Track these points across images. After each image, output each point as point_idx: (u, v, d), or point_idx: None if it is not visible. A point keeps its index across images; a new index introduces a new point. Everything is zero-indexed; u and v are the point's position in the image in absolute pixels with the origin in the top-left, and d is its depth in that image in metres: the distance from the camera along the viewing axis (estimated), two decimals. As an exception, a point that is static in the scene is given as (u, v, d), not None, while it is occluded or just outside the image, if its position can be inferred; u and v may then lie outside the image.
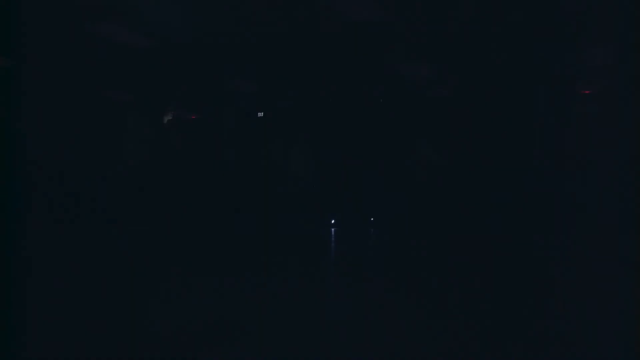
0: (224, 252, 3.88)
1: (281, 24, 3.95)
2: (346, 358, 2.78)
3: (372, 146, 3.84)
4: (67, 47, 3.79)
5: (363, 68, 3.78)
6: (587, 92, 3.20)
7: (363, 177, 3.81)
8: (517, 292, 3.14)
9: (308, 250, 3.79)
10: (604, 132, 2.87)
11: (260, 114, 3.99)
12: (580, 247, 2.85)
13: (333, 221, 3.78)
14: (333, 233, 3.86)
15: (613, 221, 2.73)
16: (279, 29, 3.95)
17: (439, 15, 3.35)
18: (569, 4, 2.83)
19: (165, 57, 4.06)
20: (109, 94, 3.93)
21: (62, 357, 2.73)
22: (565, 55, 3.05)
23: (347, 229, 3.78)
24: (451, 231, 3.42)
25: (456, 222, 3.44)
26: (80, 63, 3.88)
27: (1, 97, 2.92)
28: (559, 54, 3.15)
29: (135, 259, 3.69)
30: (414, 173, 3.67)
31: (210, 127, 4.12)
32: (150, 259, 3.70)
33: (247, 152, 4.13)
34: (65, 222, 3.60)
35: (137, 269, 3.65)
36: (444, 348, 2.76)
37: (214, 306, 3.37)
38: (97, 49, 3.90)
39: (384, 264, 3.63)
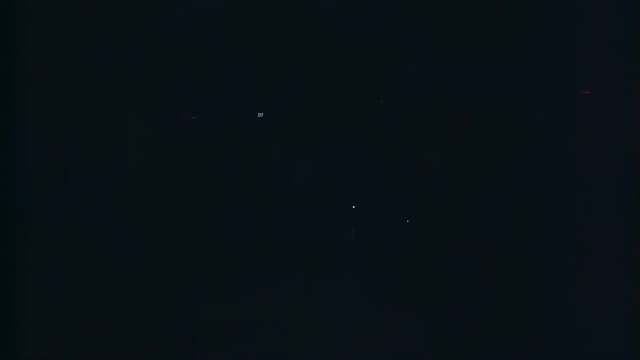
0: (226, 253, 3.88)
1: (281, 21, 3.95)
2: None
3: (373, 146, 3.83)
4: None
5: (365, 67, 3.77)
6: (586, 92, 3.20)
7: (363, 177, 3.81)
8: (517, 292, 3.13)
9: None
10: (604, 132, 2.87)
11: (260, 114, 3.97)
12: (580, 246, 2.85)
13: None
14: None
15: (613, 221, 2.72)
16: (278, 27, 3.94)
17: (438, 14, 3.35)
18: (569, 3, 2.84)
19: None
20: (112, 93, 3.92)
21: (62, 357, 2.73)
22: (566, 54, 3.04)
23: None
24: (451, 231, 3.41)
25: (455, 222, 3.43)
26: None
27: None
28: (559, 53, 3.14)
29: (140, 260, 3.67)
30: (414, 173, 3.66)
31: (210, 127, 4.11)
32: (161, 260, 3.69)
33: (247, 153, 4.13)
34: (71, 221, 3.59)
35: (140, 270, 3.64)
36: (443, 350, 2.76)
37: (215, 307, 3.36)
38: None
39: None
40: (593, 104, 3.36)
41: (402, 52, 3.65)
